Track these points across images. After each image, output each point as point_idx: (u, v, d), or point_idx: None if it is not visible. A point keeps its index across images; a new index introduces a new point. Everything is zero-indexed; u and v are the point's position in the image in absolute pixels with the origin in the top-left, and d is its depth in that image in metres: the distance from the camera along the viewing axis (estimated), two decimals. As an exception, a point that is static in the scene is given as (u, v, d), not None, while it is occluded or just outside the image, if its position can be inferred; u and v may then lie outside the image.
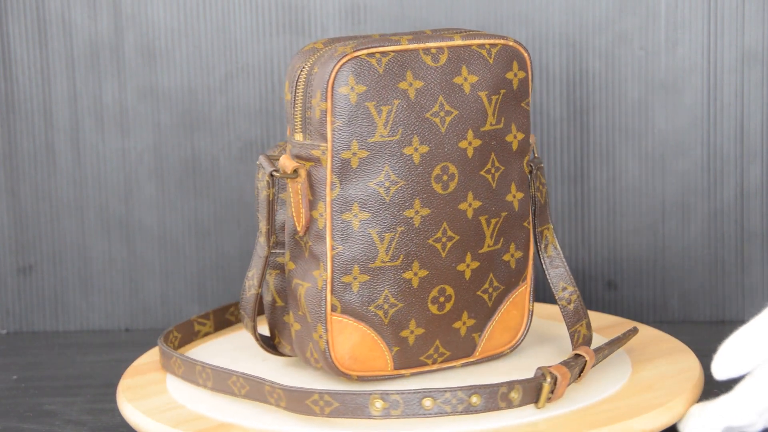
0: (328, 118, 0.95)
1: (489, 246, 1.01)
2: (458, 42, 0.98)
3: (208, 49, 1.25)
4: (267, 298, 1.02)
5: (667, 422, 0.93)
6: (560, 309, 1.04)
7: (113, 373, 1.14)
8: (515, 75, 1.00)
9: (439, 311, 0.99)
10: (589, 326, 1.05)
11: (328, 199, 0.96)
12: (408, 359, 0.99)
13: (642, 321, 1.25)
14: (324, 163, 0.95)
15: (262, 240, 0.99)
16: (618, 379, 0.99)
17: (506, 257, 1.02)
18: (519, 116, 1.01)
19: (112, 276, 1.28)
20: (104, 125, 1.26)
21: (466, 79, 0.98)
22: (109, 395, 1.09)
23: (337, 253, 0.96)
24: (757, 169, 1.23)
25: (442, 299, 0.99)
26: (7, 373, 1.17)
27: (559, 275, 1.05)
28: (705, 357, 1.00)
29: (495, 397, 0.91)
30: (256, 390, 0.95)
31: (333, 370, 0.98)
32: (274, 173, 0.96)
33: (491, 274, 1.02)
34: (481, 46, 0.99)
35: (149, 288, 1.28)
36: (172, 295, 1.28)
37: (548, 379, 0.93)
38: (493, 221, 1.01)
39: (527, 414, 0.93)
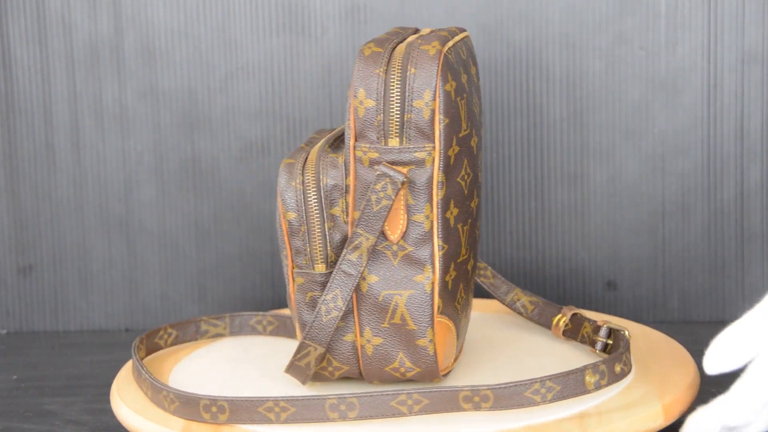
0: (437, 117, 0.94)
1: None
2: (462, 35, 1.00)
3: (208, 49, 1.25)
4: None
5: (661, 424, 0.93)
6: (483, 285, 1.11)
7: (113, 373, 1.14)
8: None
9: (468, 299, 1.02)
10: (526, 293, 1.10)
11: (435, 199, 0.95)
12: (456, 353, 1.00)
13: (642, 321, 1.25)
14: (428, 163, 0.94)
15: (354, 257, 0.94)
16: (591, 396, 0.98)
17: None
18: None
19: (112, 276, 1.28)
20: (104, 125, 1.26)
21: (475, 71, 1.01)
22: (109, 395, 1.09)
23: (443, 253, 0.95)
24: (757, 169, 1.23)
25: (472, 285, 1.02)
26: (7, 373, 1.17)
27: None
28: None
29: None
30: (441, 400, 0.92)
31: (434, 374, 0.97)
32: (405, 181, 0.94)
33: None
34: (467, 38, 1.02)
35: (149, 288, 1.28)
36: (172, 295, 1.28)
37: (627, 334, 1.01)
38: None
39: (526, 416, 0.93)
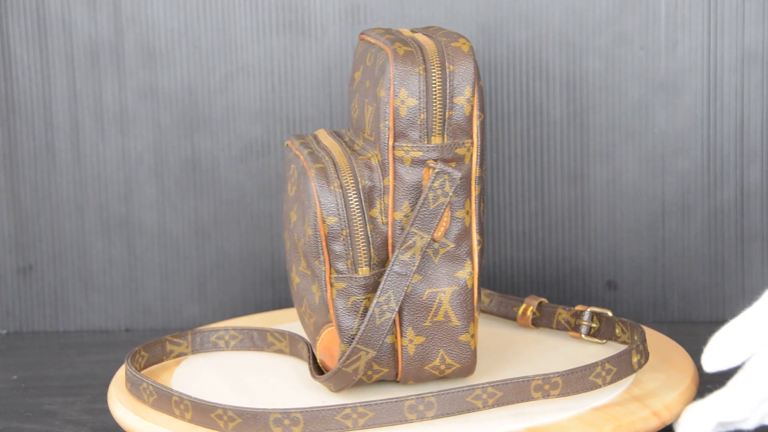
0: (474, 113, 0.95)
1: None
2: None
3: (208, 49, 1.25)
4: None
5: (659, 424, 0.93)
6: None
7: (113, 373, 1.14)
8: None
9: None
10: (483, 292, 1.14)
11: (474, 194, 0.96)
12: None
13: (642, 321, 1.25)
14: (467, 159, 0.95)
15: (407, 256, 0.94)
16: (622, 382, 0.99)
17: None
18: None
19: (112, 276, 1.28)
20: (104, 125, 1.26)
21: None
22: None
23: (480, 248, 0.96)
24: (757, 169, 1.23)
25: None
26: (7, 373, 1.17)
27: None
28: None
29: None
30: (514, 391, 0.92)
31: (471, 369, 0.97)
32: (462, 177, 0.95)
33: None
34: None
35: (149, 288, 1.28)
36: (172, 295, 1.28)
37: (611, 314, 1.06)
38: None
39: (588, 400, 0.94)
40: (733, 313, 1.24)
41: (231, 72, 1.25)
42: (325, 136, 1.03)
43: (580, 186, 1.25)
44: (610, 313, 1.06)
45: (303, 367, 1.05)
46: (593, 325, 1.07)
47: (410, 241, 0.94)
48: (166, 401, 0.96)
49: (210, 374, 1.05)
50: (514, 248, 1.25)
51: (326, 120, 1.25)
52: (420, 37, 0.97)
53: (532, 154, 1.24)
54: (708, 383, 1.03)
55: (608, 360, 0.94)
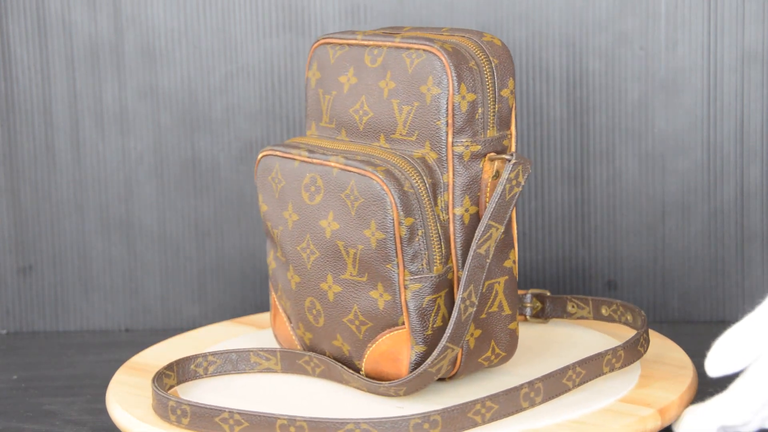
0: (514, 104, 0.96)
1: None
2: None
3: (208, 49, 1.25)
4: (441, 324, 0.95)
5: (659, 425, 0.93)
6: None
7: (113, 373, 1.14)
8: None
9: None
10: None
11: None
12: None
13: (642, 321, 1.26)
14: (509, 150, 0.96)
15: (483, 249, 0.93)
16: (628, 381, 1.00)
17: None
18: None
19: (112, 276, 1.28)
20: (104, 125, 1.26)
21: None
22: (109, 395, 1.09)
23: (518, 235, 0.97)
24: (757, 169, 1.23)
25: None
26: (7, 373, 1.18)
27: None
28: (704, 357, 1.00)
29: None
30: (593, 368, 0.96)
31: (510, 356, 0.99)
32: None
33: None
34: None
35: (149, 288, 1.28)
36: (172, 295, 1.28)
37: (549, 293, 1.11)
38: None
39: (608, 394, 0.96)
40: (732, 314, 1.24)
41: (231, 72, 1.25)
42: (330, 142, 1.00)
43: (580, 186, 1.25)
44: (548, 293, 1.10)
45: (306, 381, 1.02)
46: (535, 306, 1.11)
47: (488, 234, 0.93)
48: (267, 427, 0.90)
49: (228, 398, 0.99)
50: (514, 248, 1.26)
51: (326, 120, 1.25)
52: (437, 36, 0.98)
53: (532, 154, 1.24)
54: (708, 386, 1.03)
55: (644, 331, 1.00)
